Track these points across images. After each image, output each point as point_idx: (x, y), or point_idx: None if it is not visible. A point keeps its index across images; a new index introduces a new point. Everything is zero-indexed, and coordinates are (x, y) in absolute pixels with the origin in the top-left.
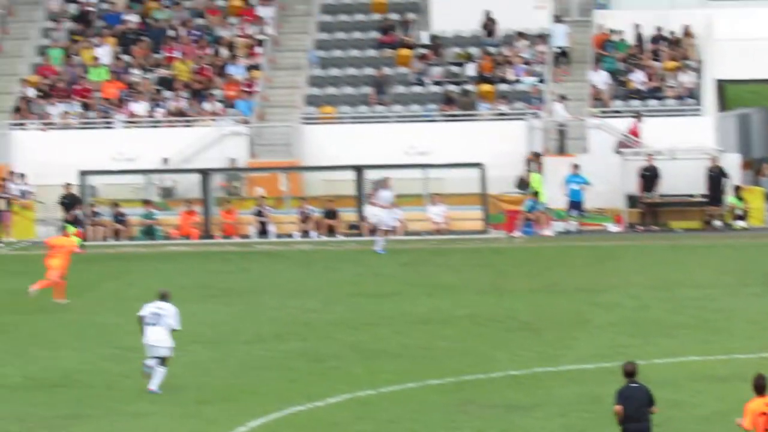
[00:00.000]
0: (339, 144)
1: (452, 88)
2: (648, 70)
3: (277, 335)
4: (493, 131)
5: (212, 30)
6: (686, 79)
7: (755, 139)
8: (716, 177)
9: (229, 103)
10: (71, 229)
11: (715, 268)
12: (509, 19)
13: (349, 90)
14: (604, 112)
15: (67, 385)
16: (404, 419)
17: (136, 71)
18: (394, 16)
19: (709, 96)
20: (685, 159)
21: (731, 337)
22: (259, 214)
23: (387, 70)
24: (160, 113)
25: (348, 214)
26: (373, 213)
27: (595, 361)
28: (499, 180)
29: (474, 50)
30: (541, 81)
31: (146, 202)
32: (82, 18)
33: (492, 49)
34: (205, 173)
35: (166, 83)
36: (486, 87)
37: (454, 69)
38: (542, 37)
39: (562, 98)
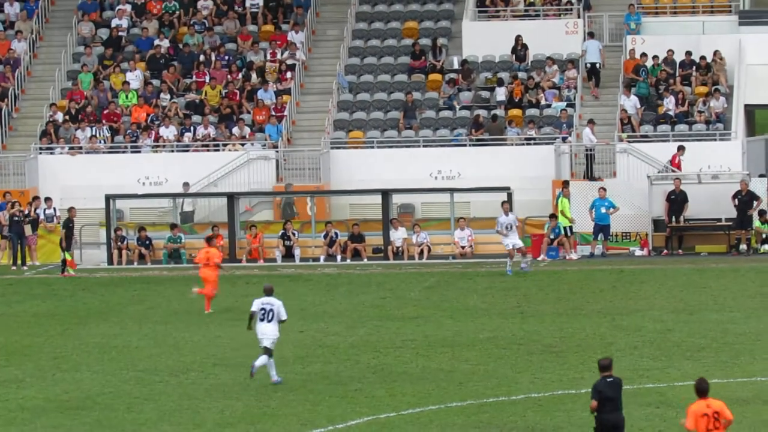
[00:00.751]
0: (367, 168)
1: (481, 112)
2: (678, 95)
3: (299, 358)
4: (521, 156)
5: (243, 55)
6: (715, 104)
7: None
8: (745, 201)
9: (258, 127)
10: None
11: (739, 292)
12: (540, 45)
13: (378, 114)
14: (630, 136)
15: (88, 407)
16: None
17: (165, 96)
18: (425, 41)
19: (738, 121)
20: (713, 183)
21: (753, 360)
22: (285, 237)
23: (416, 95)
24: (188, 137)
25: (374, 238)
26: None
27: None
28: (526, 204)
29: (504, 75)
30: (571, 105)
31: (173, 226)
32: (113, 43)
33: (522, 74)
34: (230, 197)
35: (195, 108)
36: (515, 111)
37: (484, 94)
38: (572, 62)
39: (591, 122)
